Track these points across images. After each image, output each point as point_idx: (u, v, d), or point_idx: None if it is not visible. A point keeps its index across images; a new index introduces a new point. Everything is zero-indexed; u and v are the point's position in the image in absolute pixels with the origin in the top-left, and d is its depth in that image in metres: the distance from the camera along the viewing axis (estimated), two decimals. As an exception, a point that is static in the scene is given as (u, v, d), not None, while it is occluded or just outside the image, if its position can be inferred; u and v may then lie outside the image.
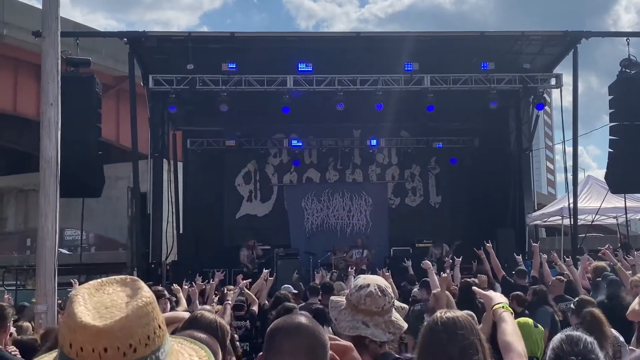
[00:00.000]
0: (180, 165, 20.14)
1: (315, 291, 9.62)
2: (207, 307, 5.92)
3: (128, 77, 17.44)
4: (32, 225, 30.84)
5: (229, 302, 7.29)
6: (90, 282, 1.39)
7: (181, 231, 19.20)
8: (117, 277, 1.41)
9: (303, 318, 2.04)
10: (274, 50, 16.27)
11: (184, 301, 7.83)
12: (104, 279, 1.40)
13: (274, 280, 14.93)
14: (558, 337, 2.82)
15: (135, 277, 1.41)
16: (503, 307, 2.85)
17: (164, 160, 18.34)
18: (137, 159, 16.57)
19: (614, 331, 5.30)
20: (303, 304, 9.12)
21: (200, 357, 1.44)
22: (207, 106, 17.03)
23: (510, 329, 2.70)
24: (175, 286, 8.61)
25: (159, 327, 1.34)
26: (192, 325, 2.80)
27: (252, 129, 19.86)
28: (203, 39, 17.07)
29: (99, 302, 1.33)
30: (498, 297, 2.95)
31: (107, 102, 20.09)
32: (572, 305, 6.76)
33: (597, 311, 5.37)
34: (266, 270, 9.86)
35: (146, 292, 1.36)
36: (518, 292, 9.39)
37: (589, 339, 2.78)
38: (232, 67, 16.00)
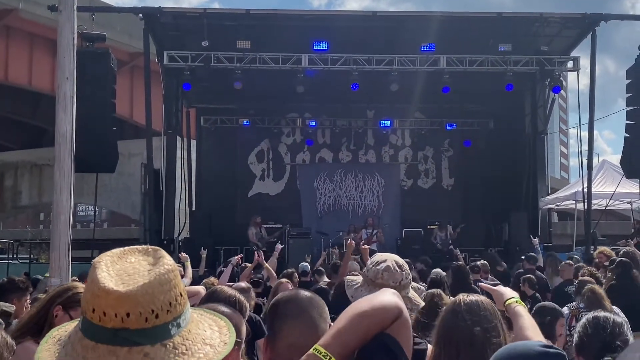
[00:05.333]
0: (193, 142, 20.18)
1: (321, 273, 9.69)
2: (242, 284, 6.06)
3: (142, 54, 17.41)
4: (45, 199, 31.10)
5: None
6: (113, 250, 1.40)
7: (194, 208, 19.30)
8: (139, 247, 1.42)
9: (300, 290, 2.12)
10: (290, 28, 16.17)
11: (189, 271, 7.90)
12: (126, 248, 1.41)
13: (286, 259, 15.08)
14: (584, 319, 2.78)
15: (157, 247, 1.42)
16: (516, 301, 2.78)
17: (178, 137, 18.37)
18: (150, 136, 16.59)
19: (615, 308, 5.32)
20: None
21: (220, 326, 1.45)
22: (221, 84, 17.01)
23: (528, 323, 2.60)
24: (183, 254, 8.66)
25: (180, 295, 1.36)
26: (211, 299, 2.83)
27: (266, 108, 19.84)
28: (218, 15, 17.01)
29: (122, 270, 1.34)
30: (509, 292, 2.84)
31: (121, 78, 20.10)
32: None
33: (597, 287, 5.43)
34: (279, 246, 9.91)
35: (168, 260, 1.38)
36: (530, 276, 9.44)
37: (618, 320, 2.71)
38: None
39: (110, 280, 1.30)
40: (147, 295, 1.29)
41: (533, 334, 2.51)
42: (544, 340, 2.55)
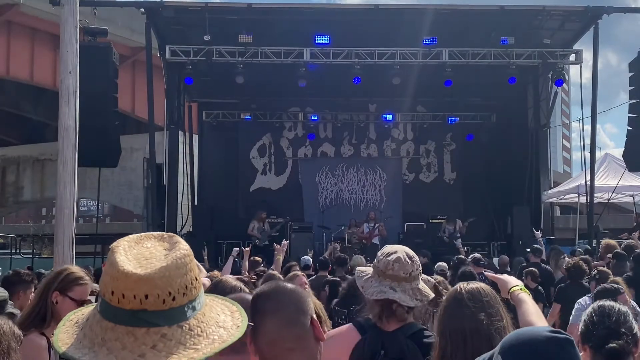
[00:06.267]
0: (195, 137, 20.19)
1: (325, 265, 9.69)
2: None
3: (144, 48, 17.39)
4: (47, 194, 31.12)
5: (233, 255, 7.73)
6: (130, 236, 1.44)
7: (196, 203, 19.32)
8: (155, 233, 1.46)
9: (282, 282, 2.09)
10: (292, 22, 16.14)
11: (200, 267, 7.95)
12: (142, 234, 1.45)
13: (288, 253, 15.11)
14: (590, 308, 2.80)
15: (172, 234, 1.46)
16: (521, 289, 2.84)
17: (180, 132, 18.37)
18: (153, 131, 16.60)
19: (632, 302, 5.33)
20: (314, 276, 9.20)
21: (232, 311, 1.49)
22: (223, 78, 17.01)
23: (532, 309, 2.69)
24: None
25: (195, 279, 1.40)
26: (216, 289, 2.85)
27: (268, 102, 19.84)
28: (220, 9, 16.98)
29: (139, 254, 1.38)
30: (513, 280, 2.93)
31: (123, 73, 20.05)
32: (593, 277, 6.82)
33: (621, 280, 5.41)
34: (285, 242, 9.92)
35: (184, 245, 1.42)
36: (532, 269, 9.46)
37: (623, 309, 2.74)
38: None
39: (128, 264, 1.33)
40: (164, 278, 1.32)
41: (536, 318, 2.60)
42: (549, 326, 2.59)
